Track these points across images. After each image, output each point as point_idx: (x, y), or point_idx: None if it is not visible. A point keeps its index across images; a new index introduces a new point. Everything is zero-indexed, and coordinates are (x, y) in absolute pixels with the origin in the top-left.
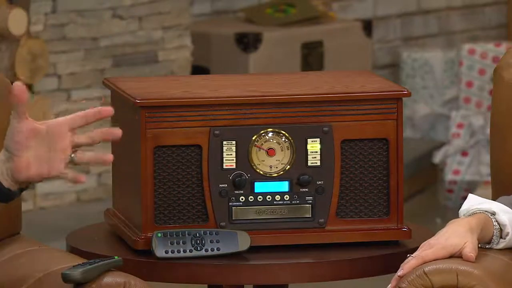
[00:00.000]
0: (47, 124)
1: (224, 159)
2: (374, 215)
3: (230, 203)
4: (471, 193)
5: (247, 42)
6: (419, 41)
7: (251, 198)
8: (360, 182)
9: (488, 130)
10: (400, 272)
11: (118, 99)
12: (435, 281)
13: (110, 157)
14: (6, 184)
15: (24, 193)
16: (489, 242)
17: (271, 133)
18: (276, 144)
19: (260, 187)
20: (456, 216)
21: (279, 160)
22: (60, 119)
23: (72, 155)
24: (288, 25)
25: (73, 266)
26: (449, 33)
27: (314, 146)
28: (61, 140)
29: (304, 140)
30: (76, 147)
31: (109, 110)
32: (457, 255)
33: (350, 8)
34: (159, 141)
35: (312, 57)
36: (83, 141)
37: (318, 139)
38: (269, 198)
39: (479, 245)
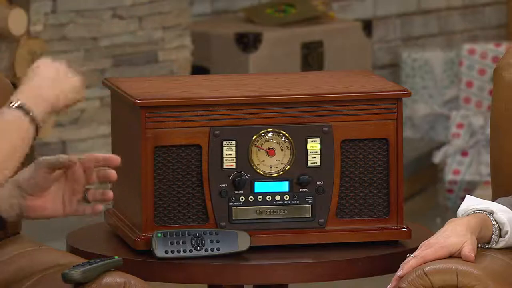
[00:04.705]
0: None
1: (224, 159)
2: (374, 215)
3: (230, 203)
4: (471, 193)
5: (247, 42)
6: (419, 41)
7: (251, 198)
8: (360, 182)
9: (488, 130)
10: (400, 272)
11: (118, 99)
12: (435, 281)
13: (110, 194)
14: (5, 214)
15: None
16: (488, 242)
17: (271, 133)
18: (276, 144)
19: (260, 187)
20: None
21: (279, 160)
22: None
23: (86, 193)
24: (288, 25)
25: (73, 266)
26: (449, 33)
27: (314, 146)
28: (77, 183)
29: (304, 140)
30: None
31: (117, 159)
32: (456, 255)
33: (350, 8)
34: (159, 141)
35: (312, 57)
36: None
37: (318, 139)
38: (269, 198)
39: (479, 245)
